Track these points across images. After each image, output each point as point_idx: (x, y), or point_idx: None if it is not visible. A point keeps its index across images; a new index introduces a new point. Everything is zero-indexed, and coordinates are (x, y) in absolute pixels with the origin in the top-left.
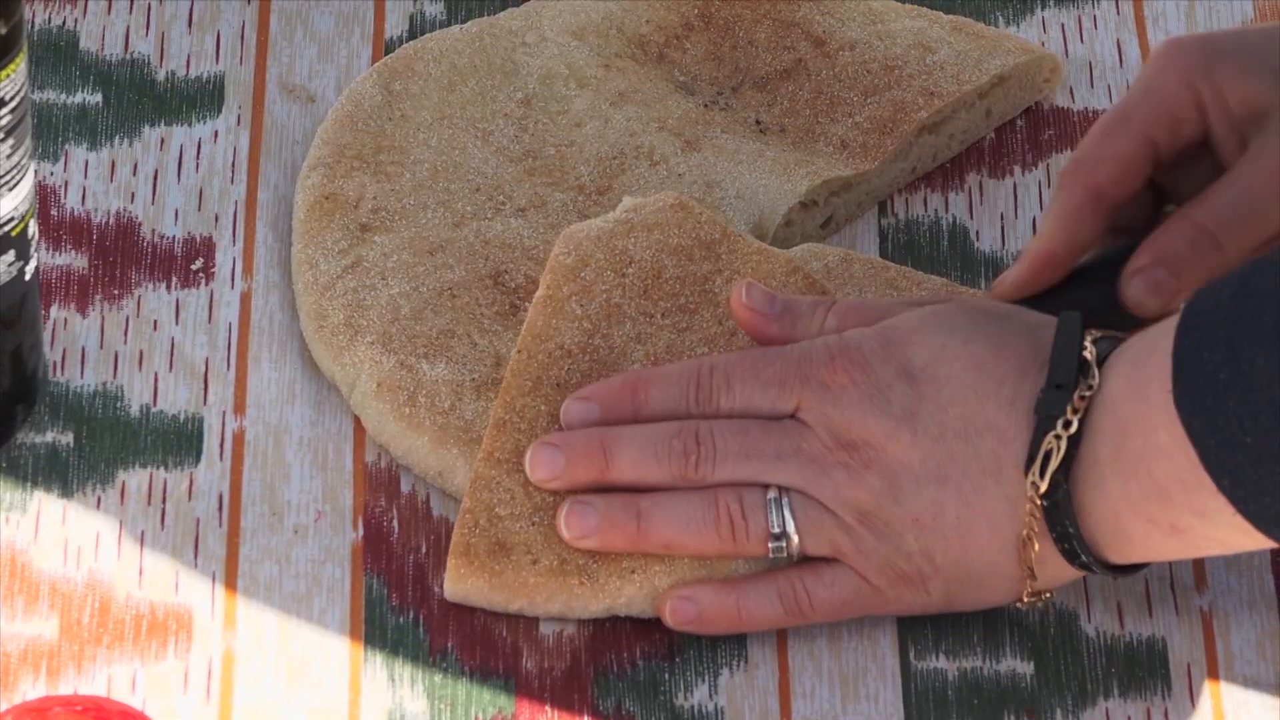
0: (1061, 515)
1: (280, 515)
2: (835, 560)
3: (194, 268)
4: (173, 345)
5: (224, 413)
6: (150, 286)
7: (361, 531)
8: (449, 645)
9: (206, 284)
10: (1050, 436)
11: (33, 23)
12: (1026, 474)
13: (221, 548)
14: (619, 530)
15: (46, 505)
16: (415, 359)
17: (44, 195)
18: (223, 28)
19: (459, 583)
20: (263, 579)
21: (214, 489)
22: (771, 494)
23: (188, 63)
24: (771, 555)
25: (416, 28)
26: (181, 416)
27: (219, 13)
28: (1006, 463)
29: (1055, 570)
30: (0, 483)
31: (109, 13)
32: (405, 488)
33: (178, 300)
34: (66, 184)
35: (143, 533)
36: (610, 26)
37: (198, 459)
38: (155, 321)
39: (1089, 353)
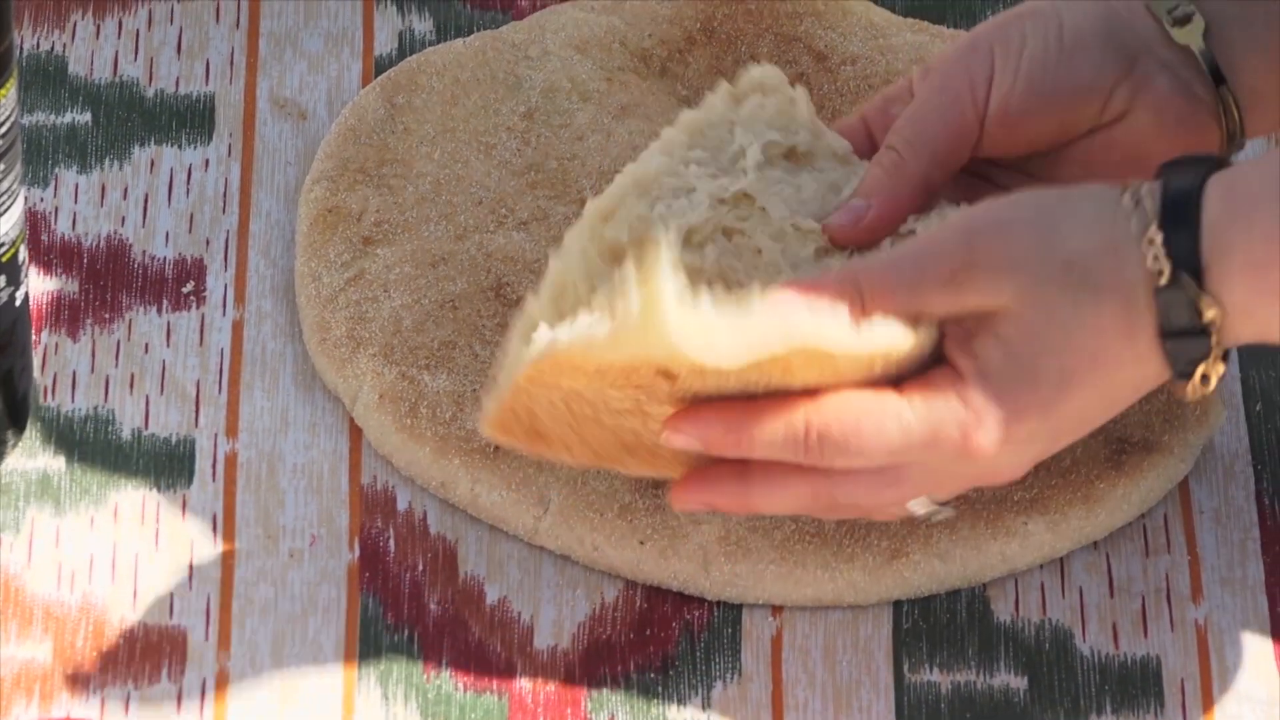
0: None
1: (275, 539)
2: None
3: (185, 290)
4: (164, 368)
5: (216, 435)
6: (141, 310)
7: (358, 552)
8: (443, 662)
9: (198, 307)
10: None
11: (21, 48)
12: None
13: (216, 570)
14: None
15: (40, 528)
16: (417, 370)
17: (34, 221)
18: (211, 54)
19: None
20: (258, 600)
21: (207, 511)
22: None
23: (176, 83)
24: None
25: (406, 46)
26: (173, 439)
27: (207, 38)
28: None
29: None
30: None
31: (97, 37)
32: (402, 505)
33: (169, 323)
34: (57, 210)
35: (136, 555)
36: (613, 40)
37: (190, 481)
38: (146, 345)
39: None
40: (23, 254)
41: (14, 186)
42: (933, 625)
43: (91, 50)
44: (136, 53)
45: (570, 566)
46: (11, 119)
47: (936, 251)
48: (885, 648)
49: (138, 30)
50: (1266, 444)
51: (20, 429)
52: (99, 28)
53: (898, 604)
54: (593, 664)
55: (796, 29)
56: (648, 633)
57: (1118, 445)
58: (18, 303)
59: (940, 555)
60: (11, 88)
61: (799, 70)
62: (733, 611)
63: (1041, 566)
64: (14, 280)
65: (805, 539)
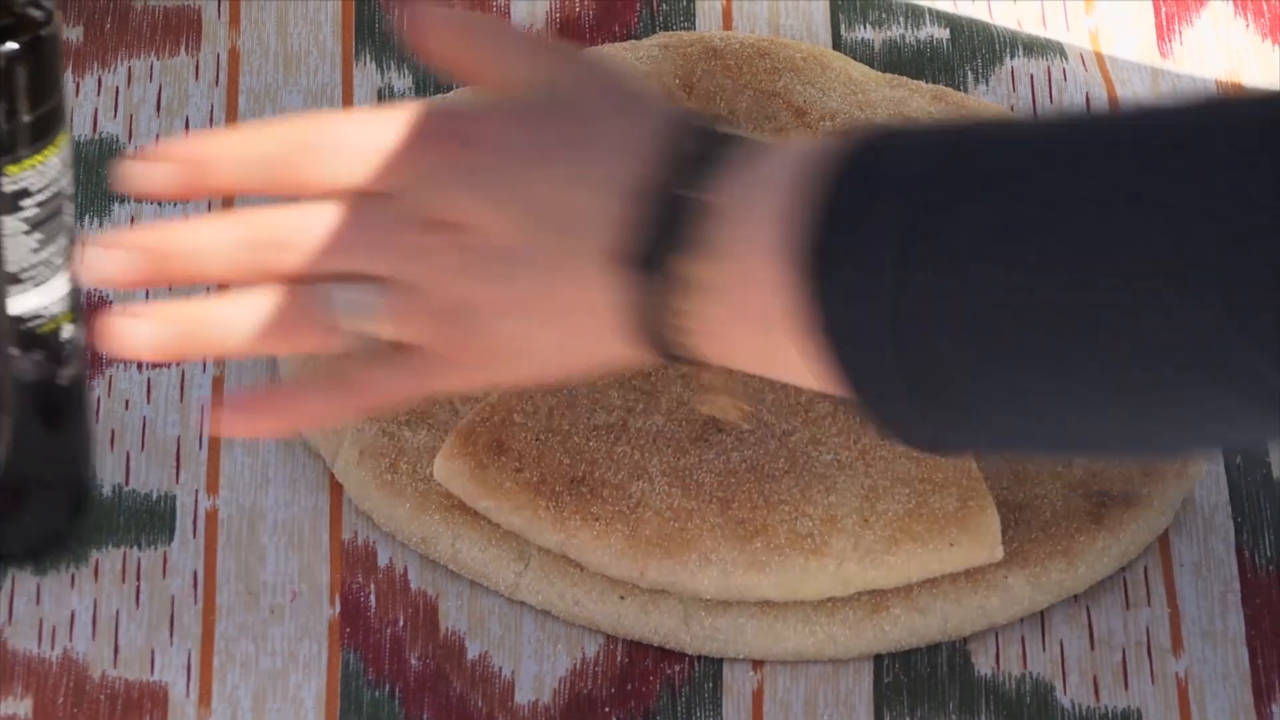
0: (659, 312)
1: (256, 595)
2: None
3: None
4: (144, 424)
5: (196, 491)
6: (121, 366)
7: (339, 607)
8: (424, 717)
9: (178, 364)
10: (655, 240)
11: None
12: (632, 270)
13: (197, 626)
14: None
15: (20, 584)
16: (397, 426)
17: None
18: (191, 111)
19: (449, 460)
20: (239, 656)
21: (188, 567)
22: (348, 287)
23: (156, 140)
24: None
25: (384, 103)
26: (154, 495)
27: (187, 95)
28: (619, 252)
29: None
30: None
31: (77, 94)
32: (383, 561)
33: (149, 380)
34: None
35: (117, 611)
36: None
37: (171, 538)
38: (127, 401)
39: (714, 151)
40: (70, 333)
41: (55, 259)
42: (914, 679)
43: (71, 107)
44: (116, 110)
45: (551, 621)
46: (53, 187)
47: None
48: (866, 701)
49: (117, 87)
50: (1247, 497)
51: (80, 520)
52: (79, 85)
53: (878, 658)
54: (574, 719)
55: (775, 84)
56: (629, 687)
57: (1098, 499)
58: (63, 383)
59: (920, 609)
60: (53, 154)
61: (778, 125)
62: (713, 666)
63: (1022, 620)
64: (57, 358)
65: None
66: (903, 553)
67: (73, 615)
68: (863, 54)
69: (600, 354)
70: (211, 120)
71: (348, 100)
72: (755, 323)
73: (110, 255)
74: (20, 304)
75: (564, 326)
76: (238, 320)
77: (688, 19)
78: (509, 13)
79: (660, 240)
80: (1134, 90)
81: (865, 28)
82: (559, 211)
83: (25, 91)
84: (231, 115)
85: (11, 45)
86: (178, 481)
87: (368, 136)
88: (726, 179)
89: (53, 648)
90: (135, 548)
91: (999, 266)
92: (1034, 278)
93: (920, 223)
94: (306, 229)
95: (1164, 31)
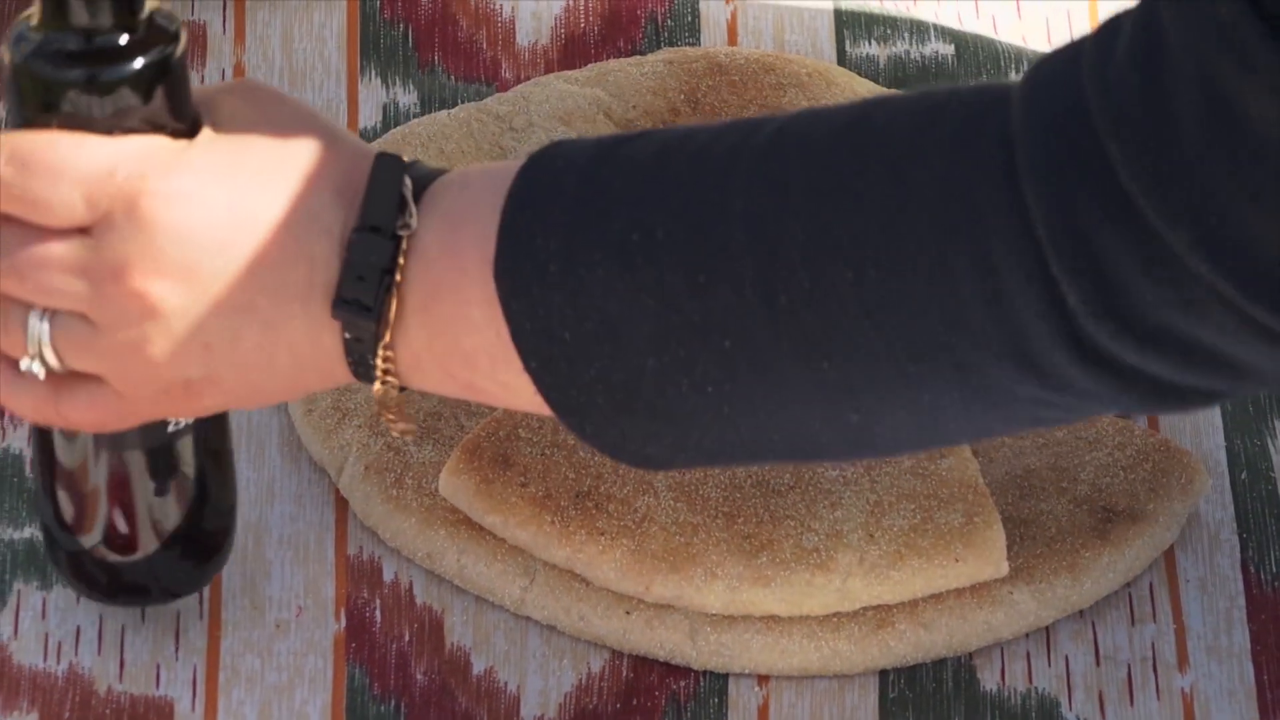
0: (363, 349)
1: (262, 610)
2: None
3: None
4: None
5: None
6: None
7: (344, 622)
8: None
9: None
10: (357, 280)
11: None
12: (335, 310)
13: (202, 640)
14: None
15: (26, 599)
16: (402, 441)
17: None
18: None
19: (455, 475)
20: (244, 671)
21: None
22: (36, 313)
23: None
24: (24, 369)
25: (390, 118)
26: None
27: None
28: (318, 290)
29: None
30: None
31: None
32: (388, 576)
33: None
34: None
35: (123, 626)
36: (598, 112)
37: None
38: None
39: (408, 188)
40: None
41: None
42: (919, 694)
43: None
44: None
45: (556, 636)
46: None
47: None
48: (872, 716)
49: None
50: (1251, 512)
51: (218, 560)
52: None
53: (884, 673)
54: None
55: (780, 100)
56: (634, 702)
57: (1103, 514)
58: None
59: (925, 624)
60: None
61: None
62: (719, 681)
63: (1027, 635)
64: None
65: None
66: (908, 568)
67: (78, 630)
68: (868, 70)
69: (300, 388)
70: None
71: (353, 115)
72: (457, 350)
73: None
74: None
75: (269, 361)
76: None
77: (692, 34)
78: (514, 31)
79: (360, 279)
80: None
81: (870, 43)
82: (286, 255)
83: (163, 108)
84: None
85: (147, 59)
86: None
87: (81, 168)
88: (423, 212)
89: (59, 662)
90: None
91: (622, 279)
92: (659, 292)
93: (574, 238)
94: (8, 247)
95: None
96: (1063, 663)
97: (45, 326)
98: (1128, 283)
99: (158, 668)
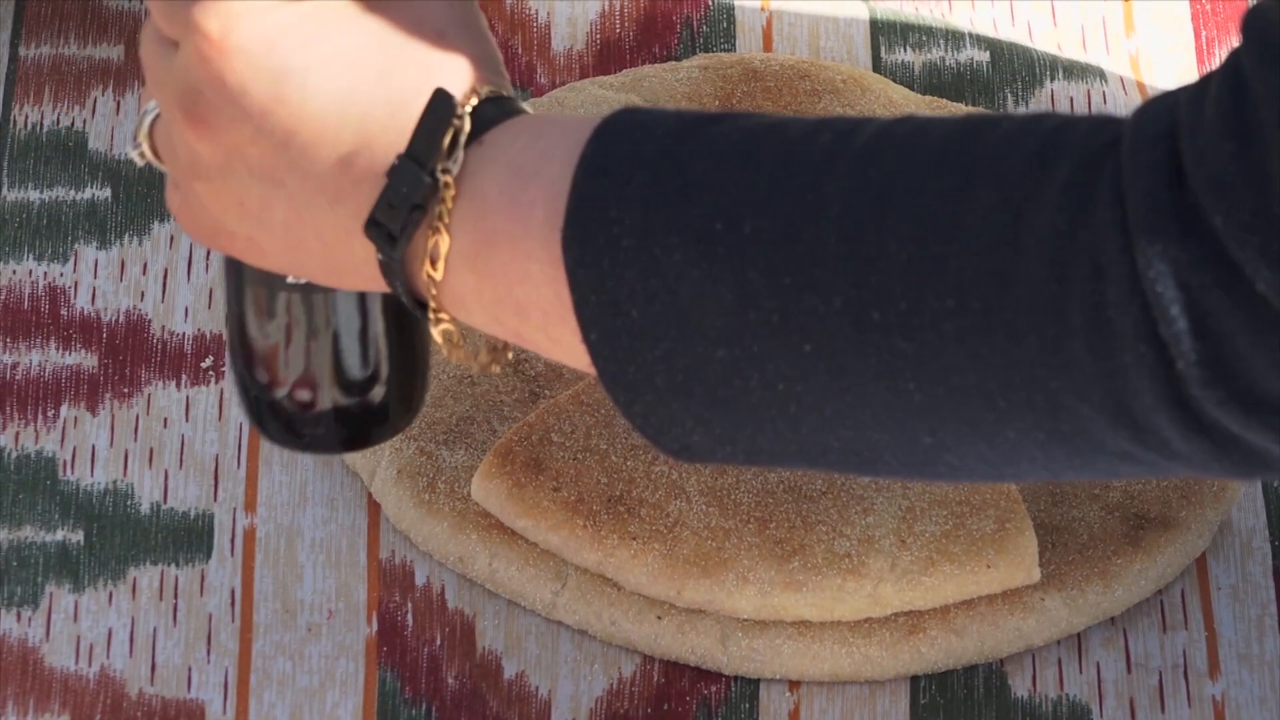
0: (393, 275)
1: (294, 613)
2: None
3: (204, 365)
4: (183, 443)
5: (235, 509)
6: (160, 384)
7: (376, 626)
8: None
9: (217, 382)
10: (389, 207)
11: (41, 123)
12: (365, 229)
13: (234, 643)
14: None
15: (58, 602)
16: (435, 445)
17: (53, 296)
18: None
19: (486, 479)
20: (275, 674)
21: (225, 585)
22: (150, 106)
23: None
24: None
25: None
26: (192, 513)
27: None
28: (348, 197)
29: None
30: (11, 579)
31: (117, 113)
32: (420, 580)
33: (188, 398)
34: (76, 284)
35: (155, 629)
36: None
37: (209, 556)
38: (165, 419)
39: (461, 125)
40: None
41: None
42: (950, 701)
43: (111, 126)
44: None
45: (588, 641)
46: None
47: None
48: None
49: None
50: None
51: (392, 426)
52: (119, 104)
53: (915, 679)
54: None
55: (815, 106)
56: (665, 707)
57: (1135, 521)
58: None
59: (957, 631)
60: None
61: None
62: (750, 686)
63: (1059, 642)
64: None
65: None
66: (940, 574)
67: (110, 633)
68: (903, 76)
69: (341, 279)
70: None
71: None
72: (509, 299)
73: None
74: None
75: (299, 241)
76: None
77: (728, 40)
78: (549, 36)
79: (391, 208)
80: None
81: (905, 50)
82: (323, 148)
83: None
84: None
85: None
86: (216, 499)
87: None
88: (486, 155)
89: (90, 665)
90: (173, 565)
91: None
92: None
93: (651, 217)
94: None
95: (1204, 54)
96: (1094, 670)
97: (149, 118)
98: (1238, 351)
99: (189, 670)
